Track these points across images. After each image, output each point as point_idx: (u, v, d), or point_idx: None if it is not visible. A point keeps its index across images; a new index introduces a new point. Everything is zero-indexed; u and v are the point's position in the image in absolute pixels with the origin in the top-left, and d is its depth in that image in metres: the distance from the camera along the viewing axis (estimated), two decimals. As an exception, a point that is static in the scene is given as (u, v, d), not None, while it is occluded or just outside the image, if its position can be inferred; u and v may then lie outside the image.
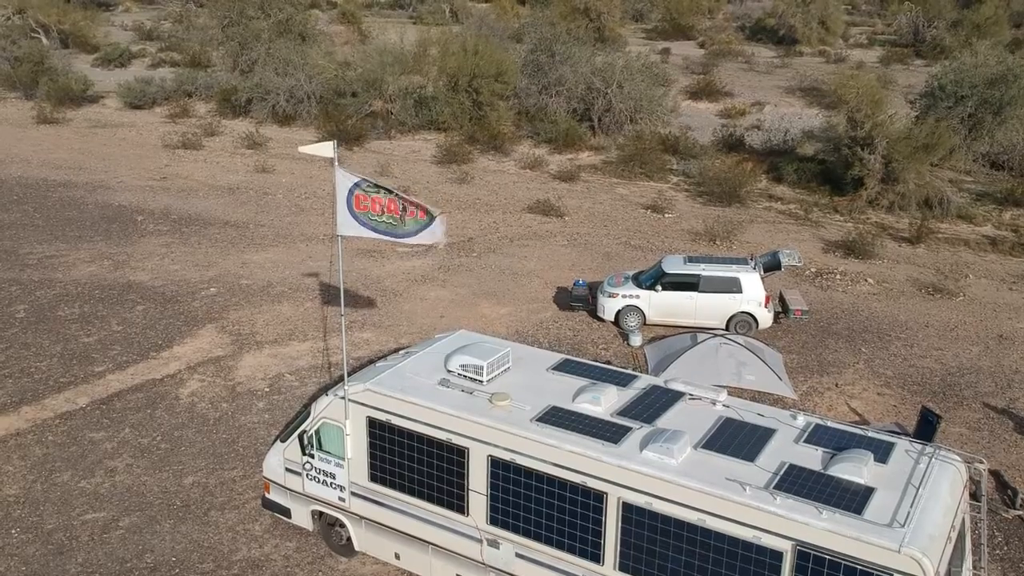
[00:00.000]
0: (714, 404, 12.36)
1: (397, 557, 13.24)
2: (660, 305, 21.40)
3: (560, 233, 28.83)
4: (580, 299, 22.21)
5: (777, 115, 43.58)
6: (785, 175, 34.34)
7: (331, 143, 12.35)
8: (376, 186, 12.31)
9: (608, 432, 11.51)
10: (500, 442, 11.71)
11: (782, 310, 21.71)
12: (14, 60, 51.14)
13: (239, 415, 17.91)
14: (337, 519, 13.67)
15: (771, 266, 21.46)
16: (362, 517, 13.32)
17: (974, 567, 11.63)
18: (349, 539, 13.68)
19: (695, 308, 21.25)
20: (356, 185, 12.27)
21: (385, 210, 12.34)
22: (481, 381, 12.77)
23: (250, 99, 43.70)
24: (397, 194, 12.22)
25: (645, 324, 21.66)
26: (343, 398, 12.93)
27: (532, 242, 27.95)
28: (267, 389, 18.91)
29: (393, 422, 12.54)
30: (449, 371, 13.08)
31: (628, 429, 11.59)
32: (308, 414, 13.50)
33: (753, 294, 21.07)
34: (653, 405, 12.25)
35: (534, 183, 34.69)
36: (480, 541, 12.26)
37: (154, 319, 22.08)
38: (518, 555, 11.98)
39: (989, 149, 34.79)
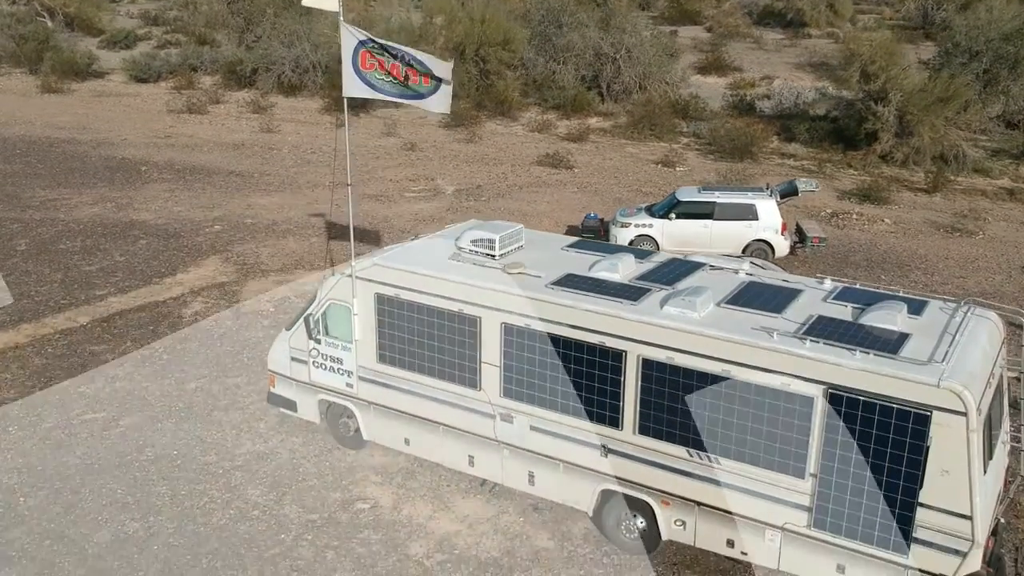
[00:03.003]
0: (736, 273, 11.89)
1: (407, 443, 12.73)
2: (674, 234, 20.90)
3: (570, 182, 28.36)
4: (592, 231, 21.69)
5: (787, 88, 43.12)
6: (797, 134, 33.85)
7: (336, -5, 11.87)
8: (383, 49, 11.88)
9: (627, 292, 11.02)
10: (514, 307, 11.21)
11: (799, 240, 21.19)
12: (19, 38, 50.93)
13: (244, 331, 17.45)
14: (345, 408, 13.18)
15: (788, 192, 20.97)
16: (370, 403, 12.82)
17: (1014, 429, 11.09)
18: (357, 430, 13.18)
19: (710, 236, 20.75)
20: (362, 43, 11.83)
21: (390, 72, 11.91)
22: (493, 256, 12.29)
23: (255, 69, 43.36)
24: (403, 54, 11.78)
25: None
26: (350, 276, 12.46)
27: (542, 189, 27.49)
28: (272, 309, 18.46)
29: (402, 296, 12.06)
30: (460, 248, 12.61)
31: (647, 290, 11.11)
32: (314, 298, 13.04)
33: (769, 221, 20.57)
34: (673, 272, 11.77)
35: (543, 143, 34.23)
36: (493, 417, 11.75)
37: (157, 251, 21.66)
38: (532, 428, 11.47)
39: (1005, 108, 34.15)
